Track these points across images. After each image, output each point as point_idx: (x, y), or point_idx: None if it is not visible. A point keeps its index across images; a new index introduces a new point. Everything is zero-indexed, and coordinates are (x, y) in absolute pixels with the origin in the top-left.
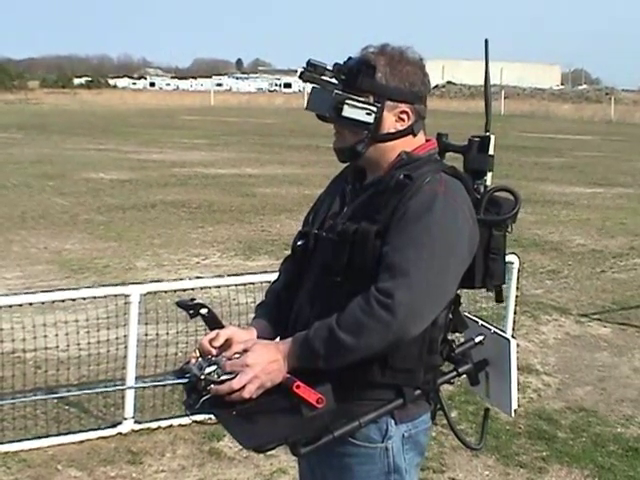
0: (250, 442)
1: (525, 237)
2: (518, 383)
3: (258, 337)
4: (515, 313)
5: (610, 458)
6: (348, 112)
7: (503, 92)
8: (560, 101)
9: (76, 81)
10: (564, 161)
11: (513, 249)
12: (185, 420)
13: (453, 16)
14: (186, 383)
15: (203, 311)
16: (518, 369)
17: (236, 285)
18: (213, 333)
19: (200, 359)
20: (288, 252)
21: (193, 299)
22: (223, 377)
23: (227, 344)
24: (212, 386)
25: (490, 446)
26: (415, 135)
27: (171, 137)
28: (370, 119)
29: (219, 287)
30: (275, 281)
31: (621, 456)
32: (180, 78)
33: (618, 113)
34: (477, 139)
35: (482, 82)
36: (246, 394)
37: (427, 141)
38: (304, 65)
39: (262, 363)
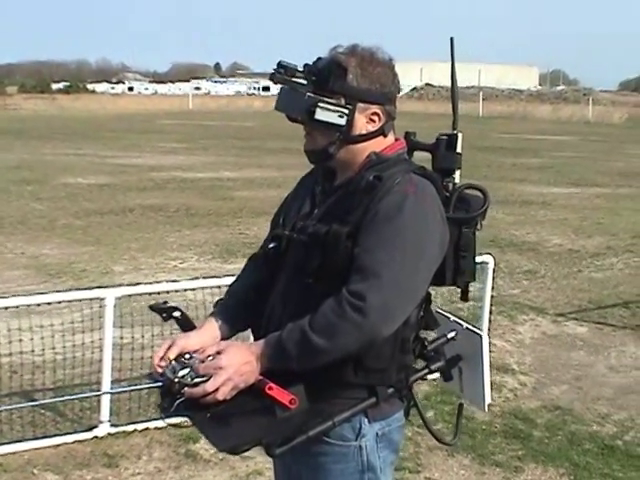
0: (224, 444)
1: (502, 237)
2: (494, 382)
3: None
4: (491, 313)
5: (585, 456)
6: (321, 115)
7: (481, 93)
8: (538, 102)
9: (54, 86)
10: (542, 162)
11: (490, 249)
12: (161, 423)
13: (431, 17)
14: (160, 386)
15: (176, 314)
16: (494, 368)
17: (211, 287)
18: (164, 348)
19: (173, 362)
20: None
21: (166, 302)
22: (196, 380)
23: (182, 354)
24: (186, 389)
25: (466, 445)
26: (386, 136)
27: (150, 141)
28: (342, 121)
29: (194, 290)
30: (236, 280)
31: (596, 454)
32: (158, 82)
33: (596, 113)
34: (445, 137)
35: (461, 84)
36: (220, 396)
37: (396, 141)
38: (274, 67)
39: (235, 365)
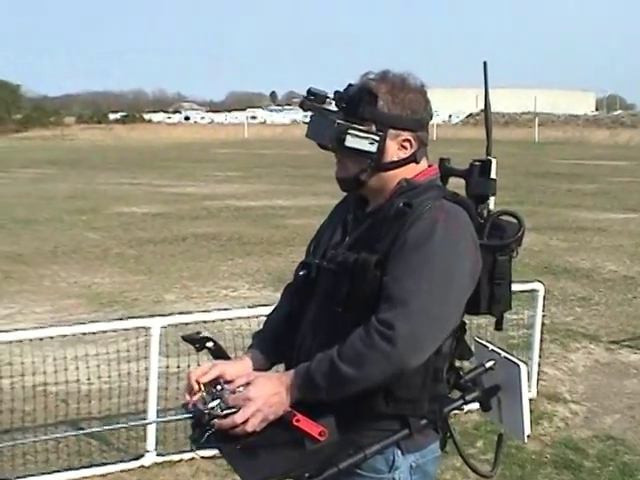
0: (253, 476)
1: (556, 264)
2: (545, 412)
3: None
4: (544, 341)
5: None
6: (351, 142)
7: (537, 119)
8: (595, 127)
9: (111, 116)
10: (598, 187)
11: (544, 276)
12: (207, 452)
13: (483, 43)
14: (191, 418)
15: (209, 344)
16: (545, 397)
17: (257, 316)
18: (204, 368)
19: (204, 393)
20: None
21: (199, 332)
22: (226, 411)
23: (215, 381)
24: (216, 420)
25: (515, 476)
26: (418, 162)
27: (204, 170)
28: (373, 148)
29: (249, 318)
30: (274, 310)
31: None
32: (214, 111)
33: None
34: (478, 163)
35: (513, 110)
36: (249, 428)
37: (429, 167)
38: (304, 94)
39: (264, 396)
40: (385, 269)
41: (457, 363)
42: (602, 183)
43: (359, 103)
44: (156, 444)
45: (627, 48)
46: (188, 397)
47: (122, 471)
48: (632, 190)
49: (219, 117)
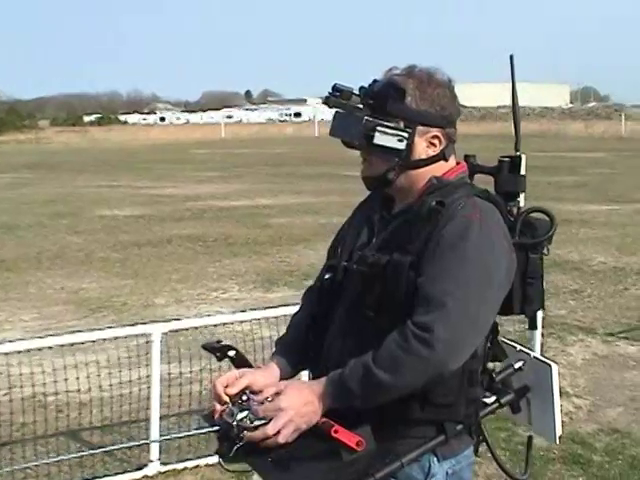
0: None
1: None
2: None
3: (280, 376)
4: (542, 335)
5: None
6: (380, 139)
7: None
8: (570, 119)
9: (86, 118)
10: (578, 179)
11: None
12: (212, 460)
13: (458, 38)
14: (217, 431)
15: (231, 353)
16: None
17: (258, 319)
18: (231, 377)
19: (230, 405)
20: (308, 283)
21: (220, 341)
22: (256, 423)
23: (241, 391)
24: (245, 433)
25: (517, 471)
26: (447, 160)
27: (183, 171)
28: (402, 146)
29: (242, 322)
30: (296, 314)
31: None
32: (190, 112)
33: (629, 129)
34: (507, 159)
35: (491, 104)
36: (281, 439)
37: (457, 164)
38: (329, 90)
39: (296, 406)
40: (419, 270)
41: (489, 365)
42: (581, 175)
43: (386, 99)
44: (159, 453)
45: (600, 40)
46: (218, 407)
47: None
48: (611, 181)
49: (195, 117)
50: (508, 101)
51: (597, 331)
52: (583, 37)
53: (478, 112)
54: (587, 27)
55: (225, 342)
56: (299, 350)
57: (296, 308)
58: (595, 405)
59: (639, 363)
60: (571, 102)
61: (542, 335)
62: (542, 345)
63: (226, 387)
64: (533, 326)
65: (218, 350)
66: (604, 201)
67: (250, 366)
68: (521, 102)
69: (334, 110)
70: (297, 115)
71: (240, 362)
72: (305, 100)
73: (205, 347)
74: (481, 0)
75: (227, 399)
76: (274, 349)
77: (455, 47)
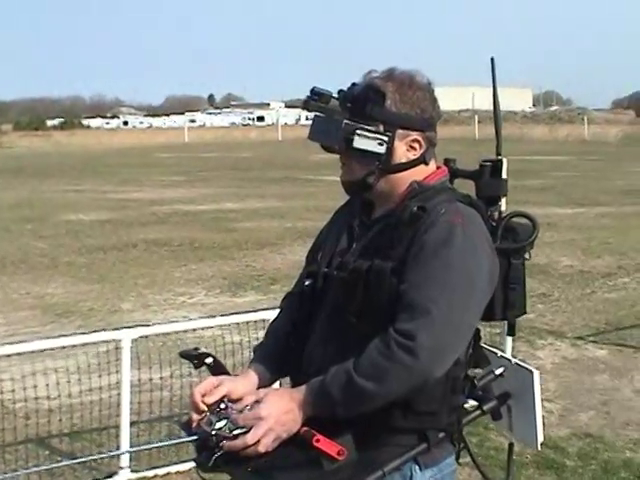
0: None
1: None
2: None
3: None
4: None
5: None
6: (359, 143)
7: (477, 117)
8: (533, 123)
9: (49, 123)
10: (543, 182)
11: None
12: (183, 467)
13: (420, 40)
14: (195, 440)
15: (208, 360)
16: None
17: (228, 325)
18: (208, 385)
19: (209, 414)
20: (275, 287)
21: (197, 348)
22: (235, 432)
23: (222, 399)
24: (224, 442)
25: (499, 478)
26: (427, 164)
27: (148, 175)
28: (382, 149)
29: (211, 327)
30: (275, 320)
31: None
32: (153, 116)
33: (591, 132)
34: (489, 163)
35: (452, 107)
36: (261, 448)
37: (438, 168)
38: (308, 94)
39: (276, 414)
40: (402, 276)
41: (470, 372)
42: (546, 178)
43: (366, 102)
44: (130, 461)
45: (562, 44)
46: (195, 416)
47: None
48: (576, 184)
49: (158, 121)
50: (469, 105)
51: (566, 335)
52: (544, 40)
53: (457, 115)
54: (548, 29)
55: (202, 349)
56: (278, 357)
57: (264, 313)
58: (567, 409)
59: (609, 367)
60: (534, 106)
61: (512, 339)
62: (512, 349)
63: (204, 396)
64: (511, 332)
65: (195, 358)
66: (569, 204)
67: (227, 373)
68: (484, 106)
69: (300, 114)
70: (260, 119)
71: (217, 370)
72: (268, 104)
73: (182, 355)
74: (445, 2)
75: (205, 407)
76: (252, 356)
77: (417, 49)
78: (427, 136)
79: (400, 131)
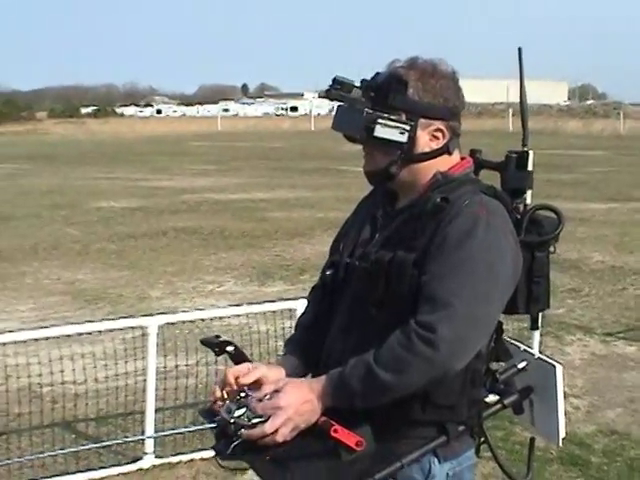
0: None
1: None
2: None
3: (289, 376)
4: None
5: None
6: (380, 132)
7: (511, 110)
8: (568, 117)
9: (83, 110)
10: (576, 177)
11: None
12: (207, 454)
13: (455, 34)
14: (215, 427)
15: (229, 349)
16: None
17: (255, 314)
18: (243, 368)
19: (228, 402)
20: (303, 277)
21: (218, 336)
22: (254, 420)
23: (257, 383)
24: (243, 430)
25: (523, 473)
26: (450, 154)
27: (180, 164)
28: (403, 138)
29: (239, 316)
30: (303, 313)
31: None
32: (186, 105)
33: (627, 127)
34: (514, 155)
35: (486, 100)
36: (279, 438)
37: (462, 159)
38: (330, 83)
39: (295, 404)
40: (424, 268)
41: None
42: (580, 173)
43: (388, 91)
44: (154, 446)
45: (599, 38)
46: (218, 393)
47: (120, 474)
48: (610, 180)
49: (191, 110)
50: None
51: (595, 331)
52: (581, 35)
53: (475, 108)
54: (584, 23)
55: (223, 337)
56: (308, 350)
57: (291, 302)
58: (594, 406)
59: (638, 363)
60: (569, 99)
61: (540, 334)
62: (540, 344)
63: (237, 378)
64: (535, 326)
65: (216, 345)
66: (602, 199)
67: (249, 361)
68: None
69: (333, 104)
70: (294, 109)
71: (239, 358)
72: (302, 94)
73: (203, 342)
74: None
75: (220, 395)
76: (283, 350)
77: (452, 42)
78: (450, 125)
79: (423, 120)
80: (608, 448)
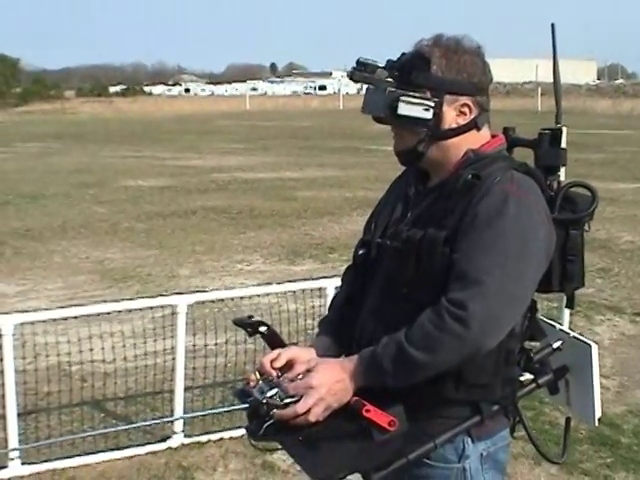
0: (319, 472)
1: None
2: None
3: (322, 356)
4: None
5: None
6: (404, 109)
7: (540, 89)
8: (597, 96)
9: (111, 89)
10: (605, 157)
11: None
12: (236, 433)
13: (482, 12)
14: (247, 408)
15: (262, 329)
16: None
17: (285, 292)
18: (274, 353)
19: (261, 382)
20: (333, 256)
21: (251, 316)
22: (286, 400)
23: (289, 364)
24: (275, 410)
25: (553, 453)
26: (479, 129)
27: (208, 142)
28: (428, 115)
29: (268, 295)
30: (337, 294)
31: None
32: (215, 83)
33: None
34: (548, 132)
35: (515, 80)
36: (312, 418)
37: (494, 137)
38: (354, 65)
39: (327, 384)
40: (455, 246)
41: (527, 344)
42: (609, 152)
43: (411, 70)
44: (183, 425)
45: (627, 17)
46: (253, 377)
47: (149, 453)
48: (639, 159)
49: (219, 89)
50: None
51: (625, 310)
52: (609, 12)
53: (504, 88)
54: (613, 2)
55: (256, 317)
56: (342, 330)
57: (321, 281)
58: (623, 386)
59: None
60: (598, 79)
61: (569, 314)
62: (569, 324)
63: (272, 362)
64: (571, 305)
65: (249, 325)
66: (632, 179)
67: (282, 342)
68: (548, 78)
69: (359, 85)
70: (322, 88)
71: (271, 338)
72: (330, 73)
73: (236, 322)
74: None
75: (259, 375)
76: (317, 331)
77: (479, 21)
78: (477, 101)
79: (448, 96)
80: (638, 429)
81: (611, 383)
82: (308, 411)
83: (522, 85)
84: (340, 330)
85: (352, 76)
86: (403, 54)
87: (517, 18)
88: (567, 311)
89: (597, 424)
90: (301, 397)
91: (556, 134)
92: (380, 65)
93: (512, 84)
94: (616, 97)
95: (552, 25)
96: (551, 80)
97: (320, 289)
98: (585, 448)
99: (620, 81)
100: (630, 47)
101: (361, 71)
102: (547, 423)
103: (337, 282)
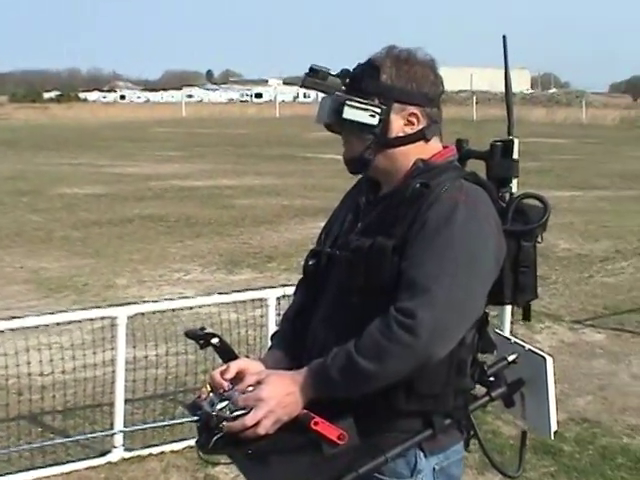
0: None
1: None
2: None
3: (272, 369)
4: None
5: (619, 471)
6: (348, 114)
7: (475, 98)
8: (531, 105)
9: (46, 95)
10: (541, 165)
11: None
12: (177, 446)
13: (419, 24)
14: (197, 421)
15: (214, 341)
16: None
17: (227, 303)
18: (225, 365)
19: (211, 394)
20: (271, 265)
21: (203, 328)
22: (236, 413)
23: (239, 376)
24: (225, 423)
25: (511, 467)
26: (427, 140)
27: (144, 150)
28: (374, 121)
29: (209, 305)
30: (290, 307)
31: (630, 468)
32: (150, 90)
33: (589, 116)
34: (500, 143)
35: (451, 88)
36: (261, 430)
37: (445, 148)
38: (306, 71)
39: (277, 396)
40: (403, 254)
41: (481, 358)
42: (544, 161)
43: (362, 77)
44: (123, 438)
45: (560, 27)
46: (204, 389)
47: (88, 468)
48: (574, 167)
49: (155, 96)
50: (467, 85)
51: (563, 318)
52: (542, 22)
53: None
54: (547, 11)
55: (208, 329)
56: (294, 343)
57: (263, 292)
58: (564, 394)
59: (606, 351)
60: (532, 88)
61: (510, 322)
62: (510, 332)
63: (222, 374)
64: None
65: (201, 337)
66: (568, 187)
67: (234, 354)
68: (482, 86)
69: (298, 91)
70: (258, 96)
71: (223, 350)
72: (266, 81)
73: (188, 334)
74: None
75: (209, 388)
76: (270, 344)
77: (415, 30)
78: (427, 112)
79: (396, 105)
80: (580, 436)
81: None
82: (257, 424)
83: (457, 93)
84: (291, 342)
85: (303, 82)
86: (358, 64)
87: (451, 26)
88: (508, 320)
89: (553, 437)
90: (251, 409)
91: (508, 145)
92: (332, 73)
93: (447, 93)
94: (550, 106)
95: (504, 37)
96: (486, 88)
97: (260, 300)
98: (528, 457)
99: (554, 90)
100: (563, 57)
101: (312, 77)
102: (490, 432)
103: (279, 292)
